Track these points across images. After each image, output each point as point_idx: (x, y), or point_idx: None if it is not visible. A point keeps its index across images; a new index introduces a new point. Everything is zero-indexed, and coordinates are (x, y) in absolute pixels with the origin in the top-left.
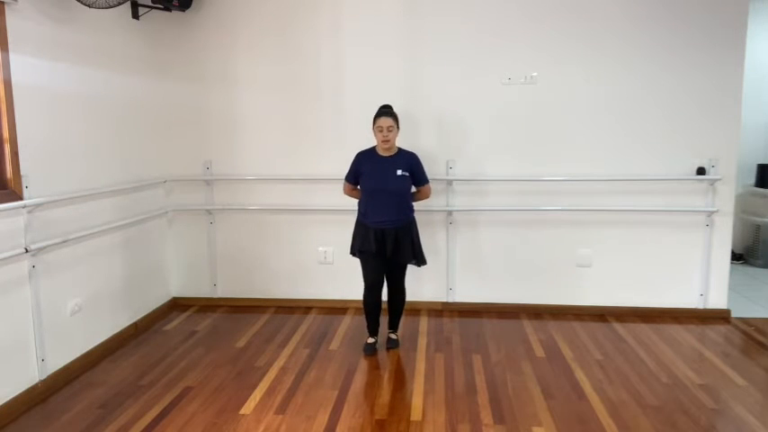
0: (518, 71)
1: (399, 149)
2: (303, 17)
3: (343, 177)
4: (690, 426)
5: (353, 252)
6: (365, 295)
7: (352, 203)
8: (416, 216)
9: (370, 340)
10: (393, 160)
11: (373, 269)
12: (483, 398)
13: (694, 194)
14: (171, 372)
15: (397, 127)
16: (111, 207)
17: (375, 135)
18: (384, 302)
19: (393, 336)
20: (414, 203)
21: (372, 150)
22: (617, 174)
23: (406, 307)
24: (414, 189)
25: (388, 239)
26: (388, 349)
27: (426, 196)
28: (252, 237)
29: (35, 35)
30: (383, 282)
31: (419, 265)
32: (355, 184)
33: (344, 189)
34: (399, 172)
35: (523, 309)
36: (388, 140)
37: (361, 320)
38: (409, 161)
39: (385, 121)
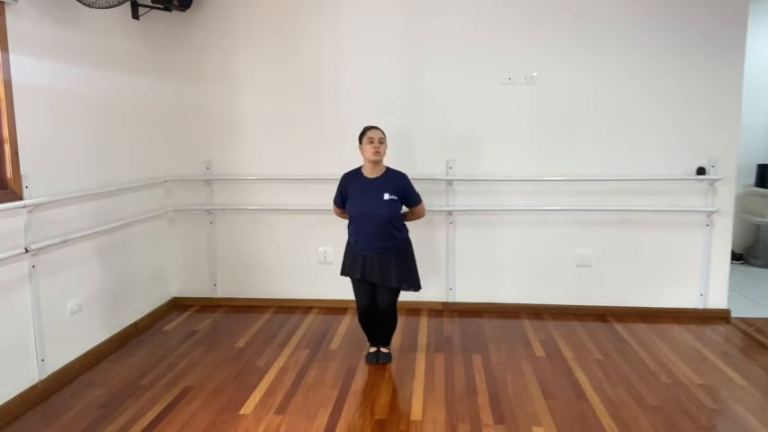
0: (518, 71)
1: (387, 169)
2: (303, 17)
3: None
4: (690, 426)
5: (344, 273)
6: (360, 315)
7: None
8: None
9: (372, 350)
10: (381, 182)
11: (364, 294)
12: (483, 398)
13: (694, 194)
14: (171, 372)
15: (385, 143)
16: (111, 207)
17: (363, 152)
18: None
19: (385, 350)
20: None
21: (358, 172)
22: (617, 174)
23: (406, 307)
24: (405, 209)
25: (374, 265)
26: (380, 363)
27: (420, 216)
28: (252, 237)
29: (35, 35)
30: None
31: (409, 290)
32: (344, 206)
33: (334, 212)
34: (387, 196)
35: (523, 309)
36: (378, 152)
37: None
38: (399, 183)
39: (375, 133)
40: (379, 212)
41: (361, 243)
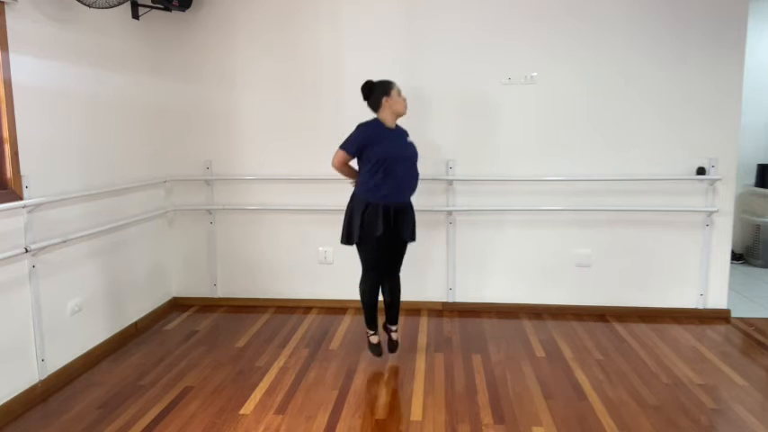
0: (518, 71)
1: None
2: (303, 17)
3: (342, 153)
4: (690, 426)
5: (356, 241)
6: (370, 284)
7: None
8: (416, 216)
9: (375, 339)
10: (400, 132)
11: (384, 254)
12: (483, 398)
13: (694, 194)
14: (171, 372)
15: None
16: (112, 207)
17: (393, 105)
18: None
19: (394, 335)
20: None
21: (377, 122)
22: (617, 174)
23: (406, 307)
24: None
25: (398, 216)
26: (391, 351)
27: None
28: (252, 237)
29: (35, 35)
30: None
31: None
32: (356, 156)
33: (338, 161)
34: (409, 139)
35: (523, 309)
36: (407, 106)
37: (361, 320)
38: (407, 133)
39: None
40: (410, 154)
41: (394, 190)
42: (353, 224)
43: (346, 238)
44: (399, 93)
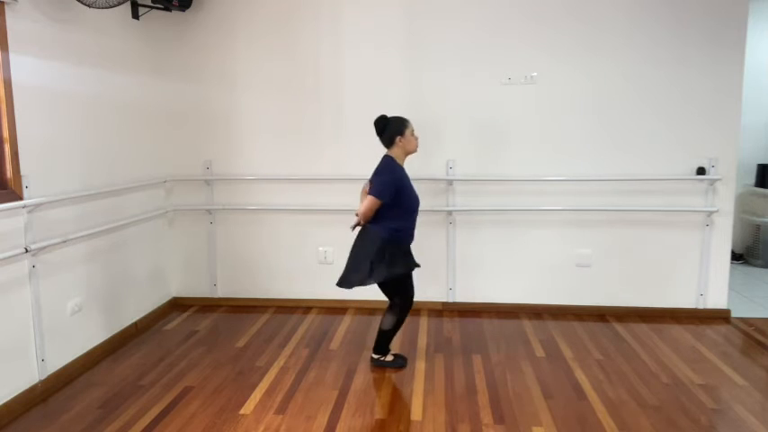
0: (518, 71)
1: None
2: (303, 17)
3: (378, 196)
4: (690, 426)
5: (397, 274)
6: (406, 312)
7: (352, 203)
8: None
9: (393, 354)
10: (405, 171)
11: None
12: (483, 398)
13: (694, 194)
14: (171, 372)
15: None
16: (111, 207)
17: (406, 144)
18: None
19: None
20: None
21: (395, 163)
22: (617, 174)
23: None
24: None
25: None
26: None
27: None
28: (252, 237)
29: (35, 35)
30: None
31: None
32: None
33: (371, 209)
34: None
35: (523, 309)
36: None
37: (361, 320)
38: None
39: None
40: (419, 197)
41: (412, 232)
42: (395, 263)
43: (386, 273)
44: (413, 132)
